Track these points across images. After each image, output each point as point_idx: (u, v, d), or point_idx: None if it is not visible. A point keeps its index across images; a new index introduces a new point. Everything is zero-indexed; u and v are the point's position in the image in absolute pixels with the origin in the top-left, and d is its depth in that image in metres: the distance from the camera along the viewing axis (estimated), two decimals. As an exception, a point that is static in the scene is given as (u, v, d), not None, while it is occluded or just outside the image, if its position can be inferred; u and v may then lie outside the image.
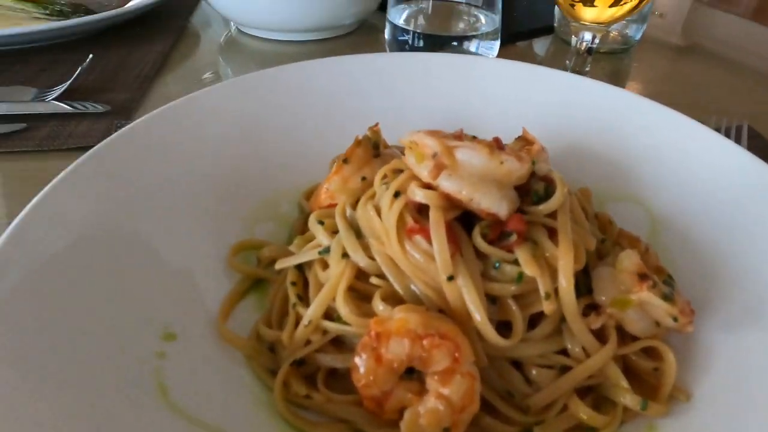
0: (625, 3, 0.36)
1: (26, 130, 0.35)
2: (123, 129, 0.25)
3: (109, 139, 0.24)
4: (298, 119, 0.29)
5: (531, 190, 0.20)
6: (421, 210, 0.19)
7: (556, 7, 0.57)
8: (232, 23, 0.56)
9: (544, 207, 0.19)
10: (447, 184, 0.18)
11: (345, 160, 0.23)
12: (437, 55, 0.34)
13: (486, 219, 0.19)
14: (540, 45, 0.59)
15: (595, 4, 0.37)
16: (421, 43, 0.38)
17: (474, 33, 0.39)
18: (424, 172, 0.19)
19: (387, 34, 0.41)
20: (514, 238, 0.18)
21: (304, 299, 0.20)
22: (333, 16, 0.50)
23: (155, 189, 0.23)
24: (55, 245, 0.19)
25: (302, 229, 0.25)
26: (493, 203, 0.18)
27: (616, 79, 0.52)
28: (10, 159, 0.33)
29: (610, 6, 0.36)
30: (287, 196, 0.26)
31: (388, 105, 0.31)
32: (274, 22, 0.51)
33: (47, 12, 0.53)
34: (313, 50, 0.52)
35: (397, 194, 0.20)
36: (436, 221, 0.18)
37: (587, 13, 0.37)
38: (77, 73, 0.39)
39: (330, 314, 0.19)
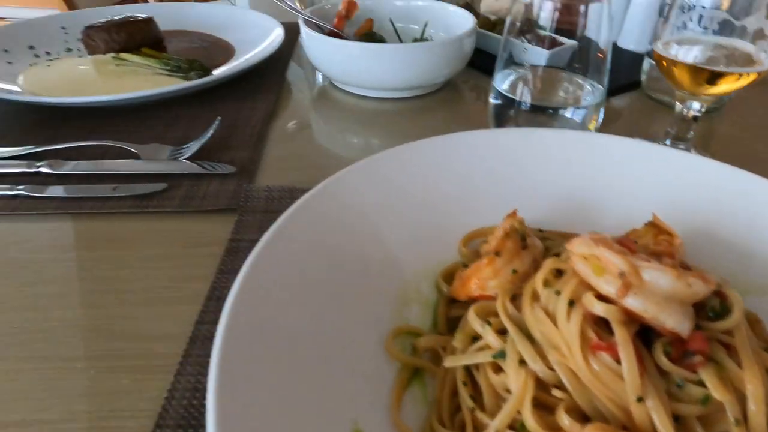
0: (746, 76, 0.37)
1: (166, 190, 0.40)
2: (289, 212, 0.27)
3: (286, 217, 0.26)
4: (429, 196, 0.31)
5: (706, 305, 0.20)
6: (598, 321, 0.20)
7: (644, 61, 0.58)
8: (322, 78, 0.60)
9: (722, 324, 0.20)
10: (632, 302, 0.19)
11: (497, 253, 0.24)
12: (575, 133, 0.35)
13: (666, 336, 0.19)
14: (623, 100, 0.59)
15: (718, 83, 0.38)
16: (526, 111, 0.39)
17: (580, 104, 0.41)
18: (606, 288, 0.20)
19: (491, 98, 0.43)
20: (698, 358, 0.19)
21: (477, 401, 0.22)
22: (427, 76, 0.53)
23: (314, 277, 0.25)
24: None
25: (446, 313, 0.26)
26: (678, 323, 0.19)
27: (715, 142, 0.52)
28: (151, 219, 0.37)
29: (733, 82, 0.37)
30: (425, 276, 0.28)
31: (513, 183, 0.32)
32: (369, 81, 0.54)
33: (168, 68, 0.58)
34: (405, 106, 0.54)
35: (570, 302, 0.20)
36: (625, 340, 0.19)
37: (707, 89, 0.38)
38: (209, 135, 0.43)
39: (512, 423, 0.20)
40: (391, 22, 0.59)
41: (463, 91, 0.58)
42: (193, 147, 0.43)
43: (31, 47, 0.63)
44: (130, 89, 0.53)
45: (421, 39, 0.57)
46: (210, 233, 0.35)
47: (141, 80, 0.55)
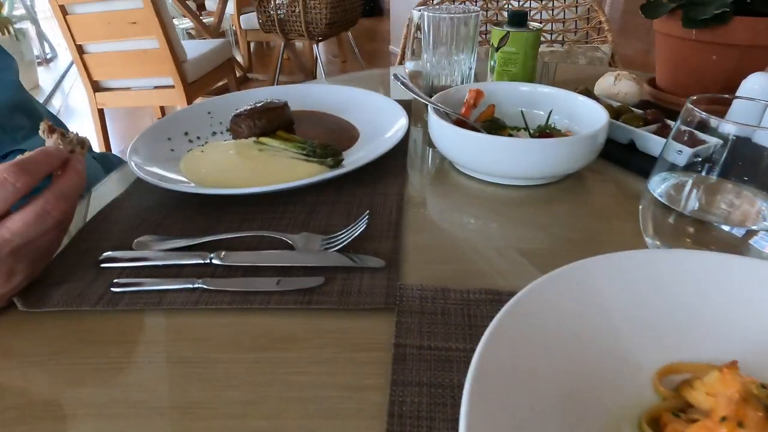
0: None
1: (324, 284, 0.42)
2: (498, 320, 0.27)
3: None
4: (612, 320, 0.30)
5: None
6: None
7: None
8: (435, 155, 0.62)
9: None
10: None
11: (739, 424, 0.22)
12: None
13: None
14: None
15: None
16: (687, 227, 0.38)
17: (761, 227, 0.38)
18: None
19: (645, 201, 0.41)
20: None
21: None
22: (558, 169, 0.53)
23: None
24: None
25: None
26: None
27: None
28: (312, 315, 0.39)
29: None
30: (625, 418, 0.27)
31: (710, 314, 0.30)
32: (498, 171, 0.55)
33: (304, 152, 0.63)
34: (529, 194, 0.54)
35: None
36: None
37: None
38: (362, 229, 0.46)
39: None
40: (522, 114, 0.60)
41: (586, 179, 0.57)
42: (344, 239, 0.46)
43: (186, 133, 0.71)
44: (277, 175, 0.58)
45: (546, 127, 0.58)
46: (371, 334, 0.37)
47: (282, 165, 0.60)
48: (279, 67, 3.18)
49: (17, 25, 4.08)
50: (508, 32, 0.75)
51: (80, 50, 2.32)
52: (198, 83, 2.51)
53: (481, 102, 0.61)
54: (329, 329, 0.38)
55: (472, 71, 0.71)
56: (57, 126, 0.42)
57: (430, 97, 0.63)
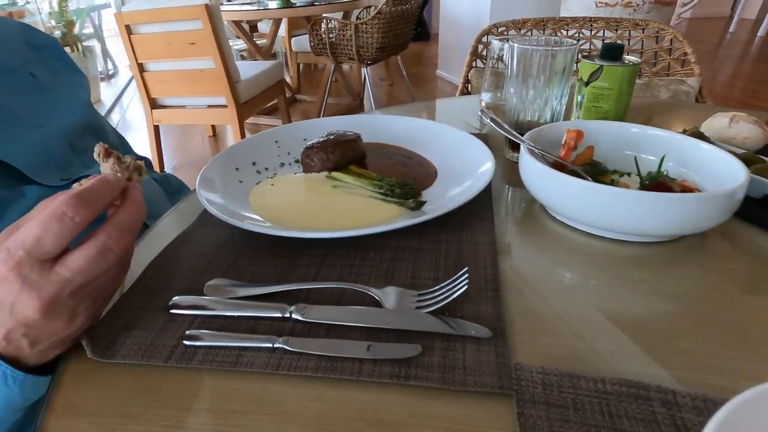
0: None
1: (421, 354, 0.37)
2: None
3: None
4: None
5: None
6: None
7: None
8: (528, 202, 0.56)
9: None
10: None
11: None
12: None
13: None
14: None
15: None
16: None
17: None
18: None
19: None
20: None
21: None
22: (688, 226, 0.46)
23: None
24: None
25: None
26: None
27: None
28: (410, 392, 0.33)
29: None
30: None
31: None
32: (603, 223, 0.48)
33: (381, 191, 0.59)
34: (643, 252, 0.48)
35: None
36: None
37: None
38: (461, 290, 0.40)
39: None
40: (635, 161, 0.53)
41: (711, 238, 0.50)
42: (439, 299, 0.40)
43: (254, 163, 0.68)
44: (355, 217, 0.54)
45: (658, 175, 0.51)
46: (486, 427, 0.31)
47: (360, 205, 0.56)
48: (328, 89, 3.21)
49: (85, 43, 4.32)
50: (602, 66, 0.69)
51: (141, 68, 2.41)
52: (250, 103, 2.55)
53: (580, 143, 0.55)
54: (434, 414, 0.32)
55: (563, 108, 0.65)
56: (124, 150, 0.39)
57: (521, 134, 0.58)
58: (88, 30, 4.70)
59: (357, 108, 3.66)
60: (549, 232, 0.52)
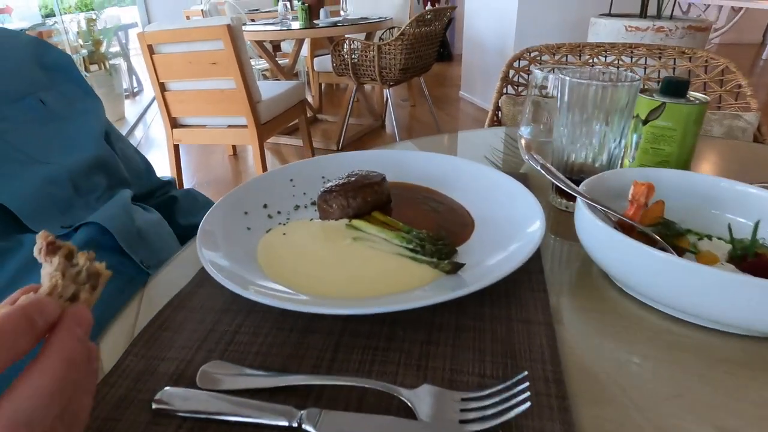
0: None
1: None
2: None
3: None
4: None
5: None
6: None
7: None
8: (582, 262, 0.47)
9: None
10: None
11: None
12: None
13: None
14: None
15: None
16: None
17: None
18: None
19: None
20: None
21: None
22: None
23: None
24: None
25: None
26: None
27: None
28: None
29: None
30: None
31: None
32: (682, 306, 0.39)
33: (410, 245, 0.50)
34: (745, 348, 0.38)
35: None
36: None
37: None
38: (523, 409, 0.31)
39: None
40: (729, 229, 0.44)
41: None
42: (490, 415, 0.31)
43: (265, 206, 0.60)
44: (379, 281, 0.45)
45: (754, 244, 0.42)
46: None
47: (385, 266, 0.48)
48: (349, 110, 3.17)
49: (111, 61, 4.39)
50: (664, 103, 0.60)
51: (162, 87, 2.39)
52: (270, 123, 2.51)
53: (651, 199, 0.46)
54: None
55: (622, 150, 0.56)
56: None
57: (569, 177, 0.49)
58: (115, 48, 4.79)
59: (378, 129, 3.61)
60: (618, 312, 0.43)
